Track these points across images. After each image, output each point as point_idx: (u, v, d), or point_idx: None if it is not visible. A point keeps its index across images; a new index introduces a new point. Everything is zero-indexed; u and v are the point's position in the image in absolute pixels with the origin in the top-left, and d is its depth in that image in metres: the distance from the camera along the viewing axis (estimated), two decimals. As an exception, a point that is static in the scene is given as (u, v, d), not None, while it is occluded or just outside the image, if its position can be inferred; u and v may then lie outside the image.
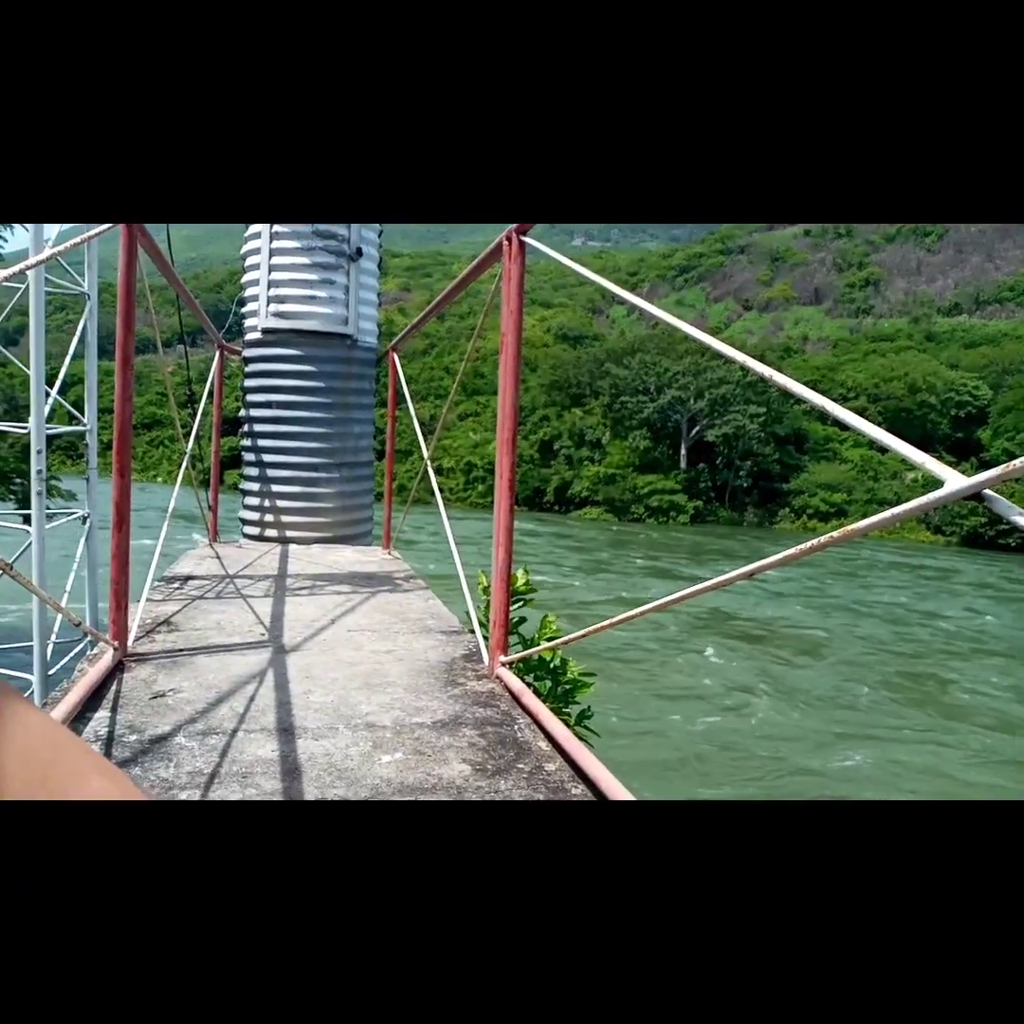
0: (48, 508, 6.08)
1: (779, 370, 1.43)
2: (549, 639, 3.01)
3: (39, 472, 5.73)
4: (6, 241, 9.79)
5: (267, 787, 1.61)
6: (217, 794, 1.57)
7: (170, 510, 3.69)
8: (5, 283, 1.91)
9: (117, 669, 2.30)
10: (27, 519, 6.75)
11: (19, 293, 6.51)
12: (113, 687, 2.15)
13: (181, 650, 2.54)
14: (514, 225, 2.37)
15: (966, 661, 14.25)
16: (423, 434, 4.39)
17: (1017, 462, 0.91)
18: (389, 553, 4.96)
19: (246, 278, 5.34)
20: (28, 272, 4.69)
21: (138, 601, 2.96)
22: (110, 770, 0.27)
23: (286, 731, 1.91)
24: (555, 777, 1.71)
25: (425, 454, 3.89)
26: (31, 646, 6.02)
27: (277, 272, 5.10)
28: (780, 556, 1.34)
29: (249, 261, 5.29)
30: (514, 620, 2.99)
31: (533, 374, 45.54)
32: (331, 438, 5.19)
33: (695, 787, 7.98)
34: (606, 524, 36.59)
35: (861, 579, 23.54)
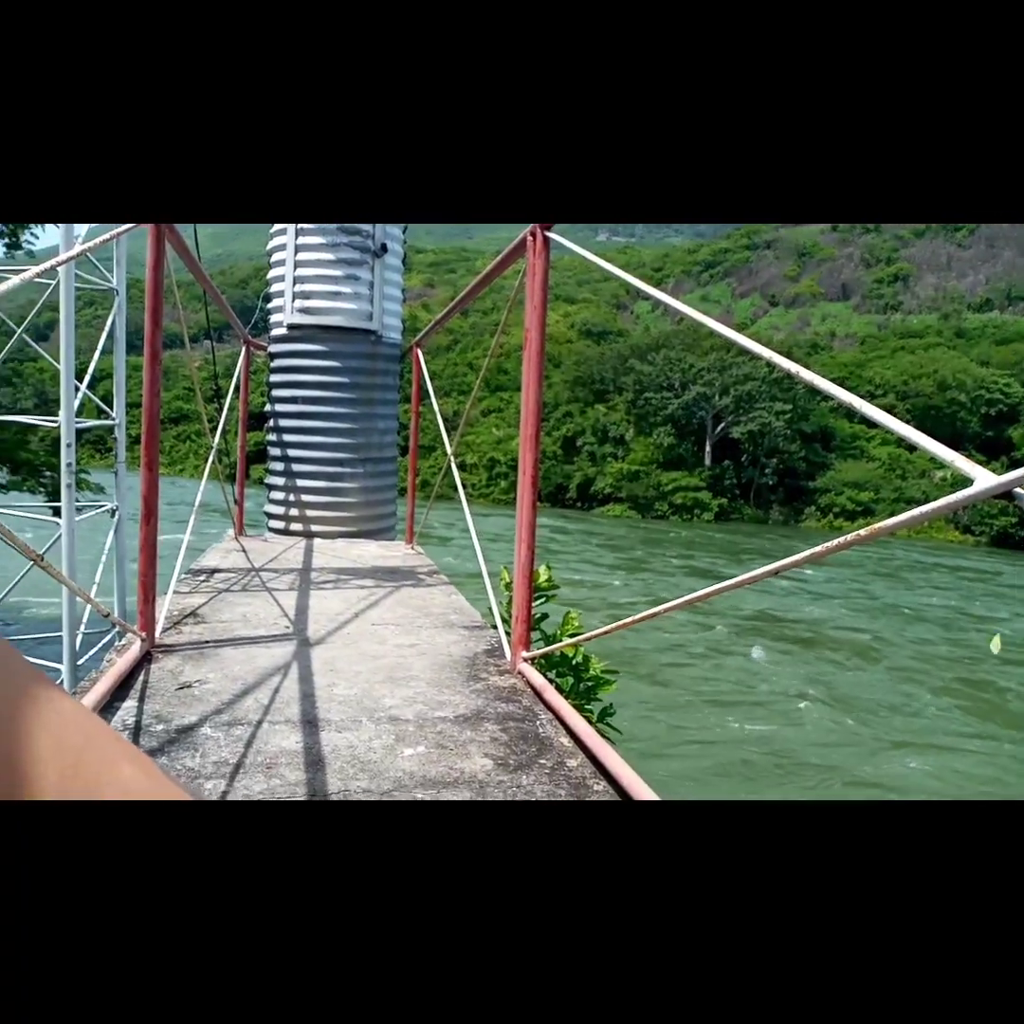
0: (77, 501, 6.17)
1: (806, 366, 1.42)
2: (571, 635, 3.01)
3: (69, 465, 5.81)
4: (37, 238, 9.94)
5: (291, 778, 1.63)
6: (242, 784, 1.58)
7: (197, 504, 3.73)
8: (36, 279, 1.94)
9: (145, 660, 2.33)
10: (57, 512, 6.86)
11: (50, 289, 6.61)
12: (141, 677, 2.18)
13: (207, 642, 2.57)
14: (538, 223, 2.36)
15: (1024, 668, 13.76)
16: (446, 430, 4.40)
17: (1050, 459, 0.89)
18: (412, 548, 4.98)
19: (272, 274, 5.37)
20: (59, 268, 4.76)
21: (165, 593, 2.99)
22: (140, 757, 0.28)
23: (310, 723, 1.93)
24: (577, 773, 1.71)
25: (448, 450, 3.90)
26: (60, 637, 6.12)
27: (302, 268, 5.13)
28: (806, 553, 1.33)
29: (275, 257, 5.32)
30: (536, 616, 2.99)
31: (556, 370, 45.47)
32: (355, 433, 5.22)
33: (742, 796, 7.83)
34: (630, 521, 36.45)
35: (903, 581, 23.14)
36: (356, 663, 2.44)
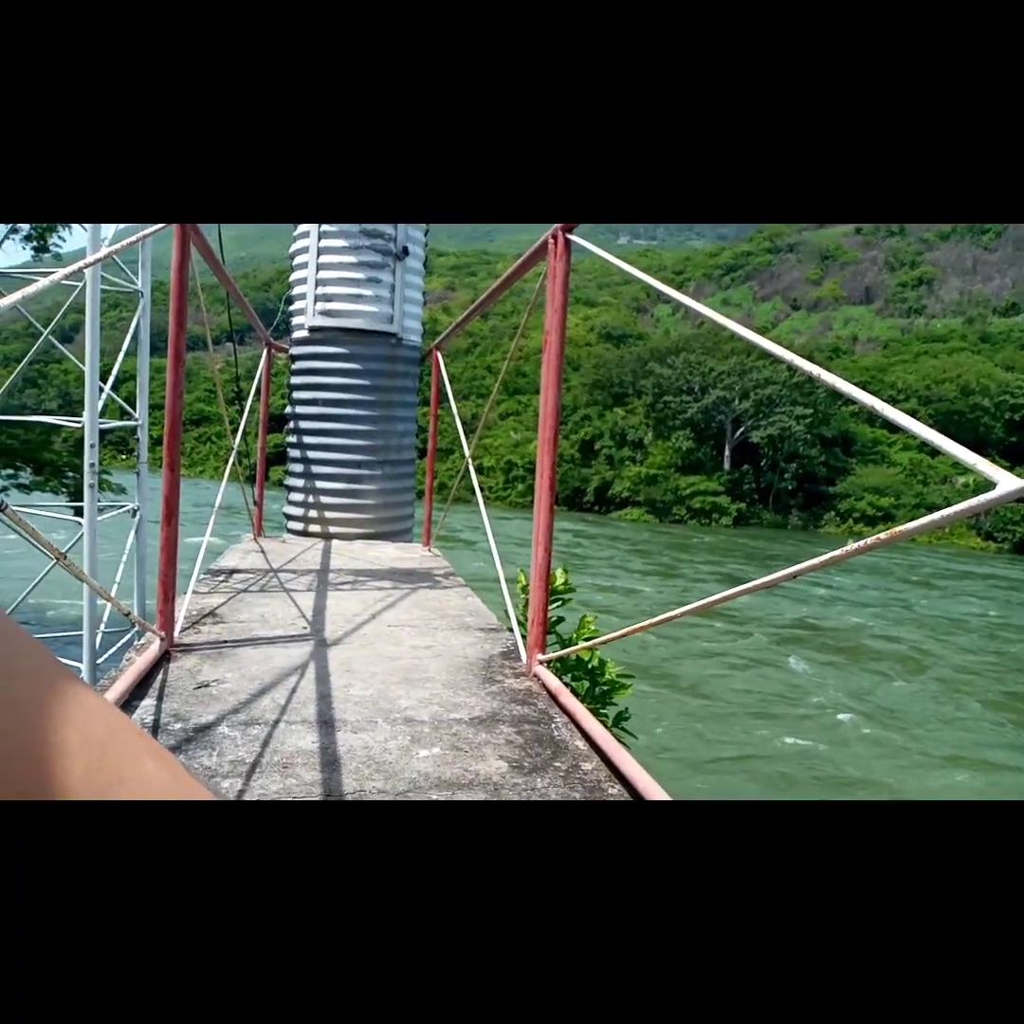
0: (99, 501, 6.23)
1: (827, 370, 1.41)
2: (587, 639, 3.00)
3: (92, 465, 5.88)
4: (64, 241, 10.08)
5: (307, 778, 1.63)
6: (258, 783, 1.59)
7: (217, 505, 3.76)
8: (63, 281, 1.97)
9: (163, 659, 2.35)
10: (79, 512, 6.94)
11: (76, 292, 6.69)
12: (159, 676, 2.20)
13: (225, 641, 2.59)
14: (559, 223, 2.37)
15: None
16: (464, 433, 4.41)
17: (1075, 465, 0.88)
18: (429, 550, 4.99)
19: (294, 277, 5.41)
20: (85, 270, 4.82)
21: (185, 593, 3.02)
22: (162, 753, 0.28)
23: (326, 723, 1.94)
24: (592, 776, 1.71)
25: (466, 453, 3.91)
26: (80, 635, 6.19)
27: (324, 271, 5.16)
28: (826, 557, 1.32)
29: (297, 260, 5.36)
30: (552, 619, 2.99)
31: (575, 373, 45.42)
32: (375, 435, 5.24)
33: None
34: (648, 525, 36.31)
35: (937, 589, 22.62)
36: (372, 664, 2.45)
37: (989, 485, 0.99)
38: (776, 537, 34.31)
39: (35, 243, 9.49)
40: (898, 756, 9.29)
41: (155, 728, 1.83)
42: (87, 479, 5.91)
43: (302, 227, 5.36)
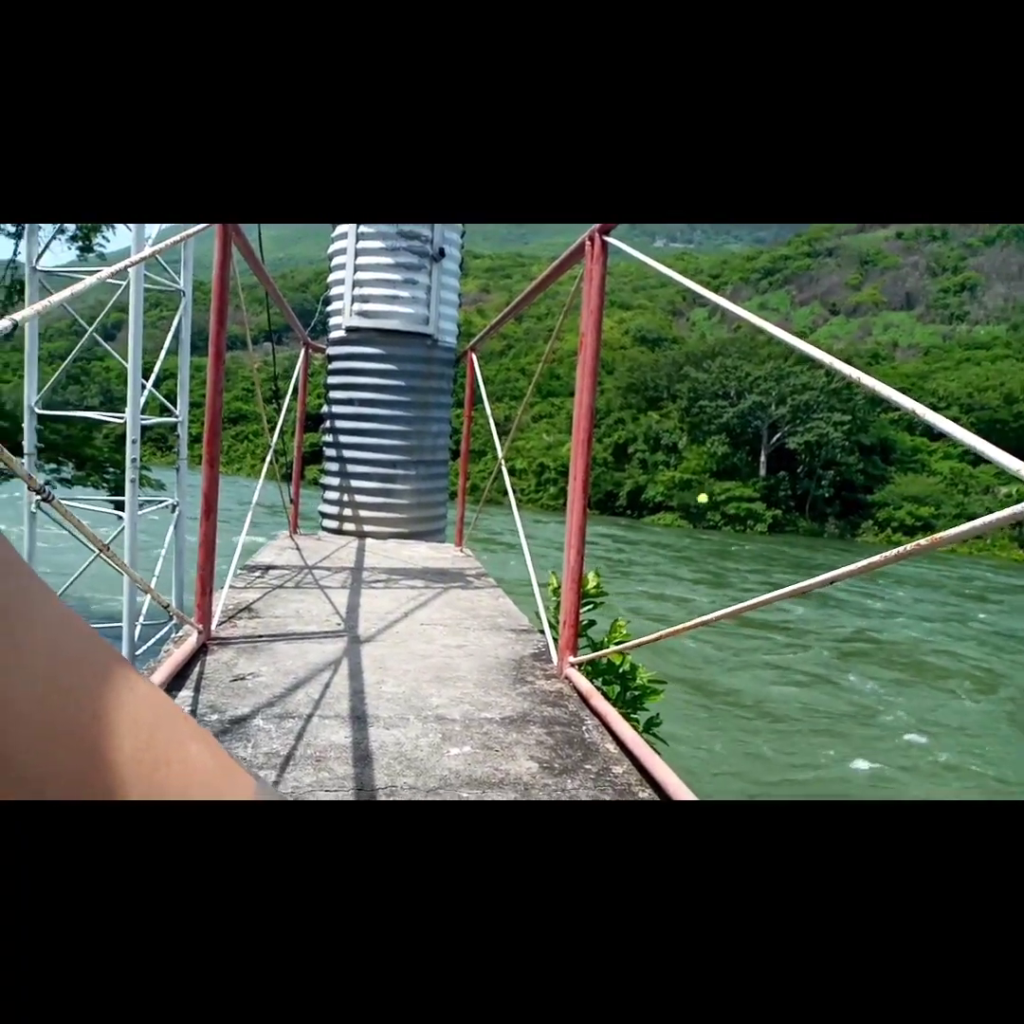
0: (138, 497, 6.35)
1: (867, 375, 1.39)
2: (618, 643, 2.99)
3: (133, 461, 5.99)
4: (108, 241, 10.30)
5: (339, 772, 1.65)
6: (291, 776, 1.61)
7: (254, 502, 3.81)
8: (108, 280, 2.01)
9: (200, 651, 2.39)
10: (119, 507, 7.07)
11: (120, 291, 6.83)
12: (196, 668, 2.24)
13: (261, 636, 2.62)
14: (597, 225, 2.37)
15: None
16: (498, 434, 4.42)
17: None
18: (461, 550, 5.01)
19: (332, 277, 5.47)
20: (129, 270, 4.92)
21: (222, 588, 3.07)
22: (206, 737, 0.29)
23: (359, 719, 1.96)
24: (622, 780, 1.70)
25: (499, 454, 3.92)
26: (119, 628, 6.31)
27: (362, 272, 5.21)
28: (863, 563, 1.30)
29: (335, 261, 5.42)
30: (583, 622, 2.99)
31: (609, 376, 45.29)
32: (409, 436, 5.28)
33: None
34: (682, 531, 36.03)
35: (994, 603, 21.97)
36: (405, 662, 2.47)
37: (1034, 493, 0.97)
38: (814, 545, 33.79)
39: (80, 243, 9.71)
40: (974, 783, 8.80)
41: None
42: (128, 474, 6.03)
43: (340, 228, 5.42)
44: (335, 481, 5.35)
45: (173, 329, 7.33)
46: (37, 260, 6.65)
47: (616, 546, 27.30)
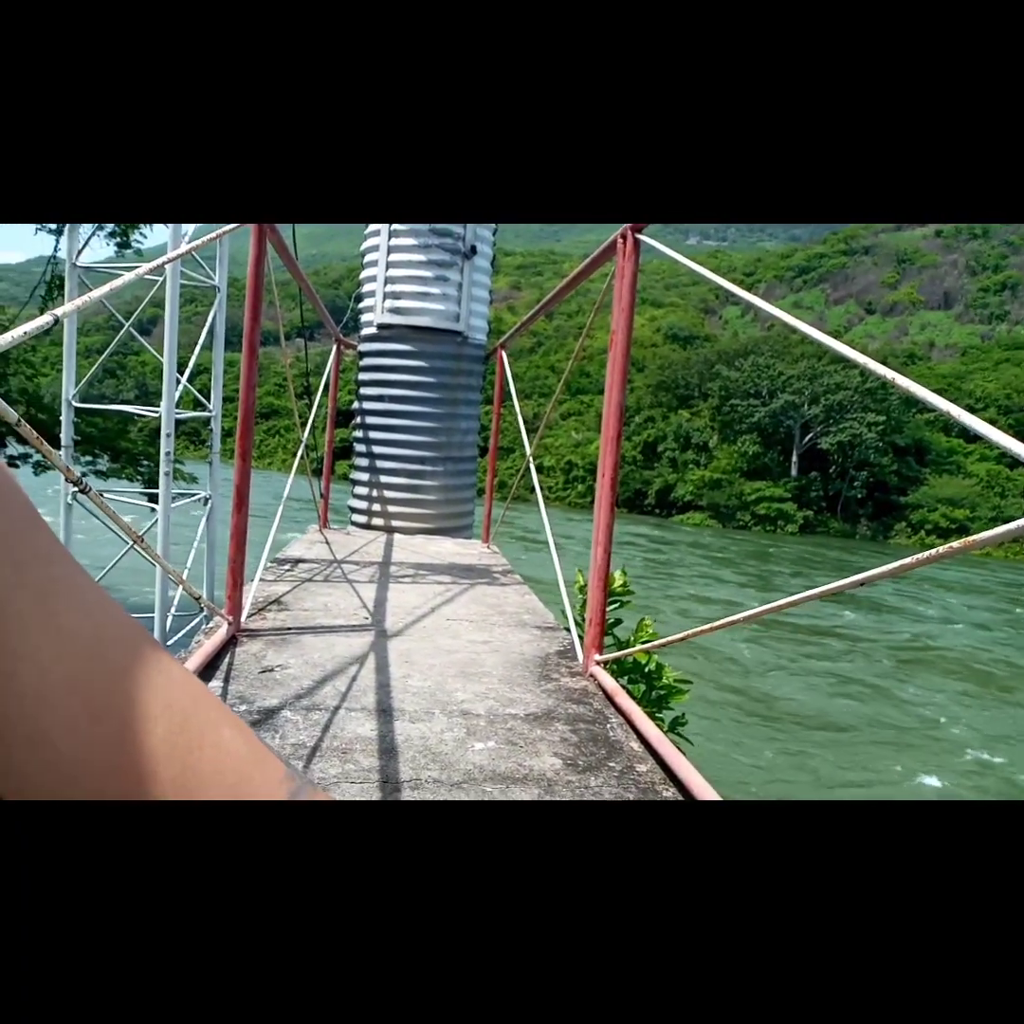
0: (172, 489, 6.45)
1: (902, 376, 1.37)
2: (644, 642, 2.98)
3: (168, 454, 6.08)
4: (145, 237, 10.45)
5: (365, 764, 1.67)
6: (318, 767, 1.63)
7: (285, 496, 3.85)
8: (145, 277, 2.04)
9: (230, 643, 2.42)
10: (152, 498, 7.19)
11: (156, 286, 6.93)
12: (226, 659, 2.27)
13: (290, 628, 2.65)
14: (629, 223, 2.36)
15: None
16: (526, 432, 4.42)
17: None
18: (488, 547, 5.02)
19: (364, 274, 5.50)
20: (165, 266, 4.99)
21: (252, 580, 3.11)
22: (240, 724, 0.29)
23: (385, 712, 1.97)
24: (646, 778, 1.70)
25: (528, 452, 3.92)
26: (151, 618, 6.41)
27: (394, 269, 5.23)
28: (895, 565, 1.29)
29: (368, 258, 5.45)
30: (610, 621, 2.98)
31: (640, 374, 45.05)
32: (438, 432, 5.30)
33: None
34: (710, 530, 35.74)
35: None
36: (431, 656, 2.48)
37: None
38: (847, 547, 33.29)
39: (119, 239, 9.87)
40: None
41: (221, 709, 1.89)
42: (163, 467, 6.12)
43: (373, 226, 5.45)
44: (365, 476, 5.39)
45: (208, 324, 7.43)
46: (77, 256, 6.77)
47: (653, 546, 27.05)
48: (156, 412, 6.48)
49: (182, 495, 7.75)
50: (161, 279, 6.34)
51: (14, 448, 11.02)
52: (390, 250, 5.24)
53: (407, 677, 2.26)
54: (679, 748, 2.00)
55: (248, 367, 2.53)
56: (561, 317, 58.35)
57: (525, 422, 4.35)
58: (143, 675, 0.27)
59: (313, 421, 4.92)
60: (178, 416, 6.54)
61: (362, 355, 5.50)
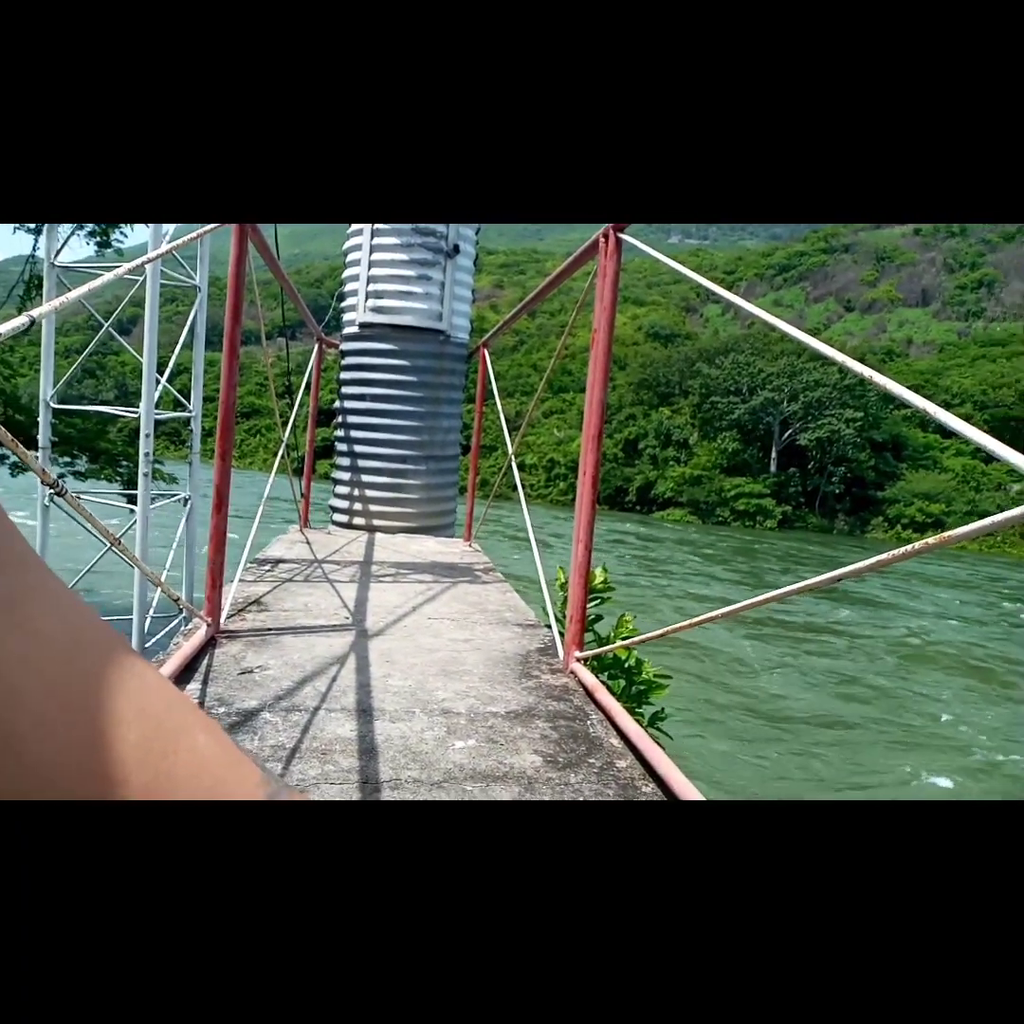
0: (151, 490, 6.40)
1: (879, 373, 1.39)
2: (624, 638, 3.00)
3: (146, 454, 6.03)
4: (126, 237, 10.35)
5: (344, 765, 1.67)
6: (297, 768, 1.63)
7: (265, 496, 3.84)
8: (124, 276, 2.03)
9: (209, 644, 2.41)
10: (131, 499, 7.13)
11: (136, 286, 6.87)
12: (205, 661, 2.26)
13: (269, 629, 2.64)
14: (611, 223, 2.37)
15: None
16: (508, 430, 4.42)
17: None
18: (470, 545, 5.02)
19: (346, 273, 5.48)
20: (146, 265, 4.95)
21: (232, 581, 3.09)
22: (215, 729, 0.29)
23: (365, 712, 1.97)
24: (626, 774, 1.71)
25: (510, 450, 3.92)
26: (129, 620, 6.35)
27: (376, 268, 5.22)
28: (871, 561, 1.31)
29: (350, 257, 5.43)
30: (590, 617, 2.99)
31: (621, 372, 45.16)
32: (420, 431, 5.29)
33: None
34: (692, 527, 35.91)
35: None
36: (411, 655, 2.48)
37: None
38: (827, 542, 33.55)
39: (98, 239, 9.77)
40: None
41: (201, 710, 1.88)
42: (142, 468, 6.07)
43: (356, 225, 5.43)
44: (346, 476, 5.37)
45: (188, 324, 7.37)
46: (56, 256, 6.70)
47: (643, 544, 27.08)
48: (136, 413, 6.43)
49: (162, 496, 7.69)
50: (141, 279, 6.29)
51: (-10, 449, 10.89)
52: (373, 249, 5.22)
53: (388, 677, 2.26)
54: (659, 743, 2.02)
55: (229, 366, 2.51)
56: (543, 316, 58.37)
57: (507, 420, 4.36)
58: (117, 680, 0.27)
59: (294, 420, 4.90)
60: (158, 416, 6.49)
61: (344, 354, 5.48)
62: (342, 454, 5.43)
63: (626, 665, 2.95)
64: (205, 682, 2.10)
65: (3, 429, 1.29)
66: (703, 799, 1.48)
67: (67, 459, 10.35)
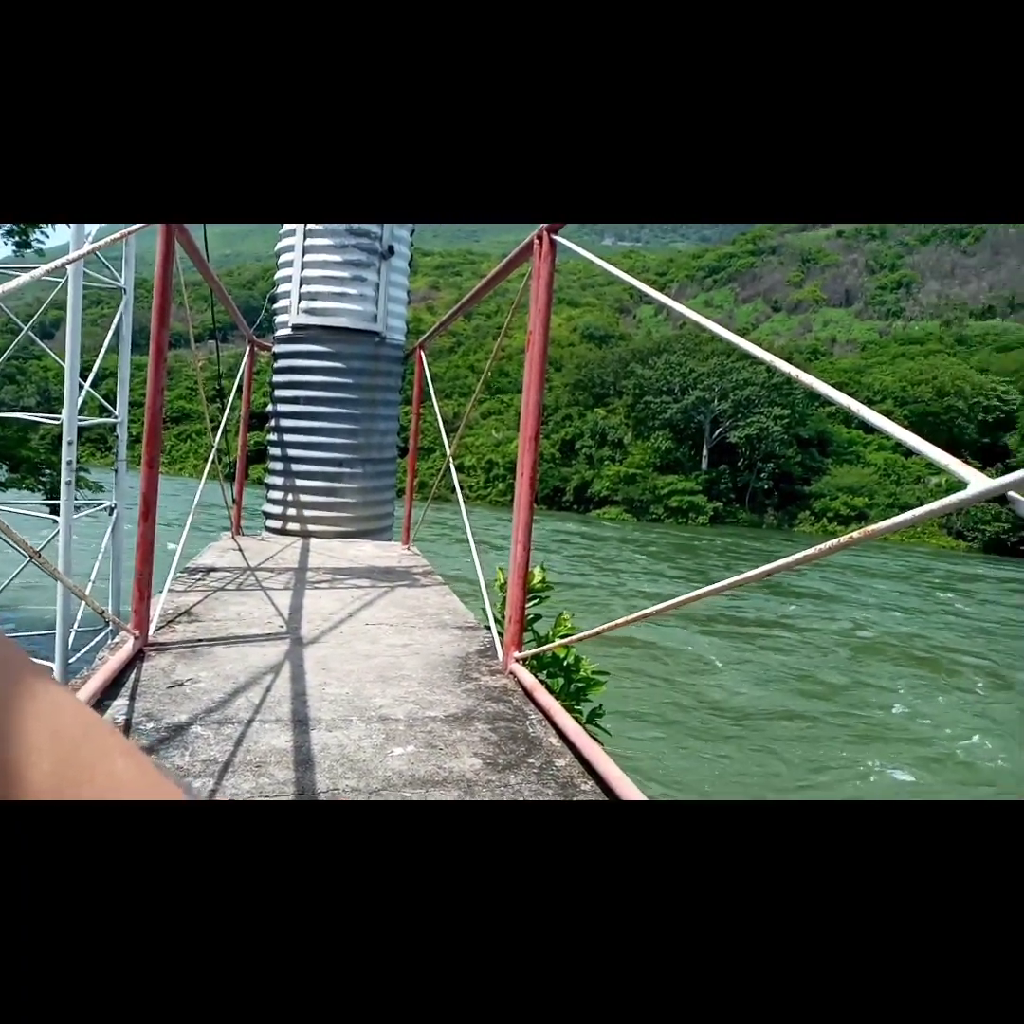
0: (76, 499, 6.17)
1: (805, 372, 1.42)
2: (563, 636, 3.01)
3: (69, 462, 5.82)
4: (47, 237, 9.96)
5: (280, 777, 1.63)
6: (230, 783, 1.59)
7: (195, 503, 3.73)
8: (44, 277, 1.94)
9: (137, 658, 2.33)
10: (54, 509, 6.86)
11: (58, 288, 6.62)
12: (132, 676, 2.19)
13: (200, 640, 2.57)
14: (545, 224, 2.37)
15: None
16: (446, 431, 4.40)
17: (1035, 467, 0.90)
18: (408, 549, 4.98)
19: (279, 274, 5.38)
20: (67, 267, 4.77)
21: (161, 592, 3.00)
22: (133, 751, 0.28)
23: (301, 722, 1.93)
24: (565, 773, 1.72)
25: (448, 451, 3.90)
26: (52, 634, 6.12)
27: (309, 269, 5.14)
28: (799, 555, 1.33)
29: (283, 258, 5.33)
30: (529, 617, 3.00)
31: (557, 373, 45.53)
32: (356, 434, 5.23)
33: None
34: (629, 525, 36.40)
35: (964, 594, 22.23)
36: (348, 662, 2.45)
37: (961, 485, 1.01)
38: (758, 536, 34.47)
39: (17, 238, 9.38)
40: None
41: (127, 728, 1.82)
42: (64, 476, 5.85)
43: (288, 225, 5.33)
44: (279, 480, 5.27)
45: (113, 327, 7.13)
46: (-34, 255, 6.41)
47: (587, 543, 27.31)
48: (58, 419, 6.19)
49: (86, 505, 7.42)
50: (63, 280, 6.06)
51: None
52: (306, 250, 5.14)
53: (324, 685, 2.22)
54: (597, 739, 2.03)
55: (155, 370, 2.44)
56: (480, 317, 58.41)
57: (445, 422, 4.34)
58: (25, 704, 0.25)
59: (225, 424, 4.79)
60: (82, 422, 6.26)
61: (277, 356, 5.38)
62: (275, 458, 5.32)
63: (565, 663, 2.97)
64: (132, 697, 2.03)
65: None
66: (640, 798, 1.50)
67: (-15, 468, 9.92)
